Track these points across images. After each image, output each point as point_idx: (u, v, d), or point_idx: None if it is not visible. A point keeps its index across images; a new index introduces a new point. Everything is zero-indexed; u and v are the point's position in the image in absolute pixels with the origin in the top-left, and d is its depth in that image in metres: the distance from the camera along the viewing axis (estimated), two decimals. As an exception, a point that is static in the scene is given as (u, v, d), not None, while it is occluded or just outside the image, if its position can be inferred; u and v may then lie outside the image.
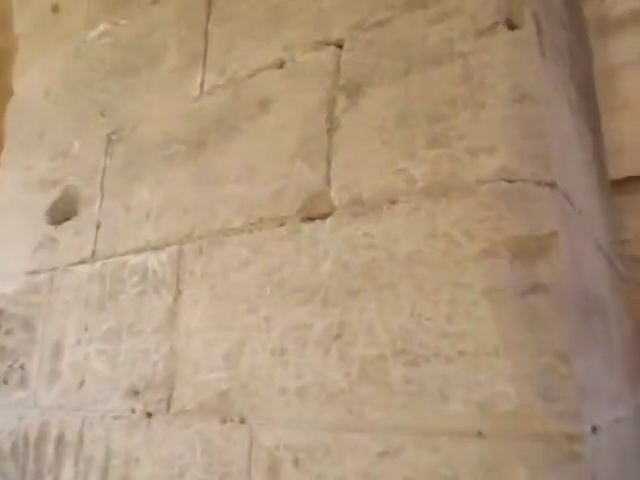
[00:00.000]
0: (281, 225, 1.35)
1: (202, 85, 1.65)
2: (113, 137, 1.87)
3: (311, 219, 1.30)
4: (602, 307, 1.37)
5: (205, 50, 1.67)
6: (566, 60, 1.50)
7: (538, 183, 1.05)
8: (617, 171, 3.32)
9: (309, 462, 1.16)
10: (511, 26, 1.14)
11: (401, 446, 1.05)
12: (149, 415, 1.48)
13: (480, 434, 0.98)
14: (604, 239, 1.67)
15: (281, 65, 1.47)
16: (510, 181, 1.05)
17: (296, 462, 1.18)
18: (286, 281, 1.30)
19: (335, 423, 1.14)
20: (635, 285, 3.48)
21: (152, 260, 1.60)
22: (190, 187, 1.56)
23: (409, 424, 1.05)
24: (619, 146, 3.65)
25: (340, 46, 1.37)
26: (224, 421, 1.32)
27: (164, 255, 1.58)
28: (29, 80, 2.34)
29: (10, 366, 1.91)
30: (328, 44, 1.39)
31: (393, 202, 1.17)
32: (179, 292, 1.51)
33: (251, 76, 1.53)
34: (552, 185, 1.07)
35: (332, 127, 1.31)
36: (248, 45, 1.57)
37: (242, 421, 1.29)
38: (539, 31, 1.17)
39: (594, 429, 1.02)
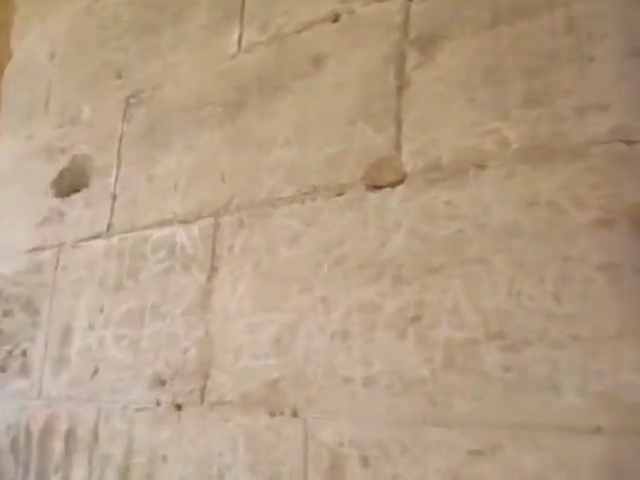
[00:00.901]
0: (339, 195, 1.20)
1: (240, 42, 1.48)
2: (132, 100, 1.69)
3: (378, 187, 1.15)
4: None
5: (243, 4, 1.51)
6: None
7: (657, 147, 0.93)
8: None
9: (382, 461, 1.01)
10: (619, -28, 1.01)
11: (498, 444, 0.91)
12: (179, 407, 1.32)
13: (599, 429, 0.84)
14: None
15: (336, 18, 1.32)
16: (628, 142, 0.92)
17: (365, 461, 1.03)
18: (347, 257, 1.15)
19: (414, 417, 1.00)
20: None
21: (180, 234, 1.44)
22: (227, 152, 1.40)
23: (509, 418, 0.92)
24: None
25: (409, -3, 1.23)
26: (273, 414, 1.17)
27: (195, 229, 1.42)
28: (30, 41, 2.13)
29: (9, 352, 1.71)
30: (394, -5, 1.24)
31: (481, 167, 1.03)
32: (214, 269, 1.35)
33: (300, 31, 1.37)
34: (669, 150, 0.94)
35: (402, 84, 1.17)
36: (294, -2, 1.42)
37: (294, 414, 1.14)
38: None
39: None
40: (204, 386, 1.29)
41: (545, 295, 0.92)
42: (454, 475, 0.94)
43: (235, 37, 1.50)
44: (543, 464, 0.87)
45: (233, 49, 1.49)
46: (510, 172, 1.00)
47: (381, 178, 1.15)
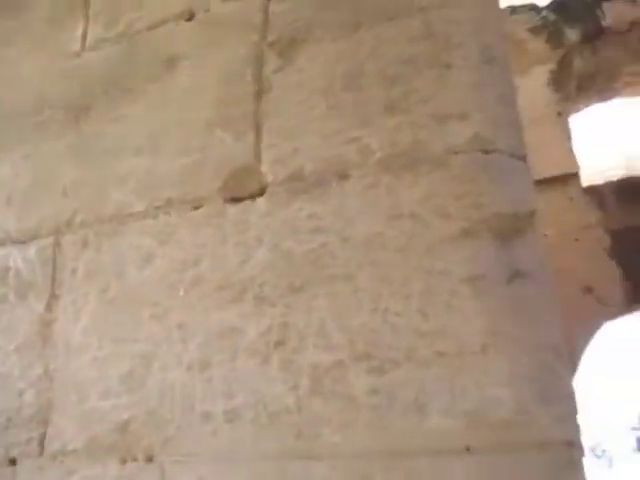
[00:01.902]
0: (196, 208, 1.08)
1: (84, 38, 1.32)
2: (-45, 101, 1.44)
3: (237, 199, 1.05)
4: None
5: (87, -4, 1.35)
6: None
7: (512, 155, 0.93)
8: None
9: (246, 504, 0.91)
10: (472, -18, 1.01)
11: (368, 474, 0.85)
12: (13, 462, 1.11)
13: (469, 450, 0.81)
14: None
15: (191, 17, 1.21)
16: (486, 152, 0.91)
17: (228, 505, 0.92)
18: (205, 277, 1.04)
19: (281, 451, 0.91)
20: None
21: (15, 257, 1.23)
22: (70, 162, 1.23)
23: (377, 446, 0.85)
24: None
25: (267, -4, 1.15)
26: (124, 461, 1.01)
27: (31, 250, 1.22)
28: None
29: None
30: (252, -7, 1.16)
31: (344, 177, 0.98)
32: (55, 297, 1.17)
33: (151, 29, 1.25)
34: (523, 159, 0.95)
35: (261, 89, 1.09)
36: (146, -7, 1.29)
37: (150, 459, 0.99)
38: (498, -7, 1.06)
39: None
40: (43, 434, 1.10)
41: (411, 311, 0.88)
42: (324, 513, 0.86)
43: (79, 33, 1.33)
44: (415, 492, 0.82)
45: (76, 46, 1.32)
46: (373, 182, 0.95)
47: (241, 189, 1.05)
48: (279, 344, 0.95)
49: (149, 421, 1.01)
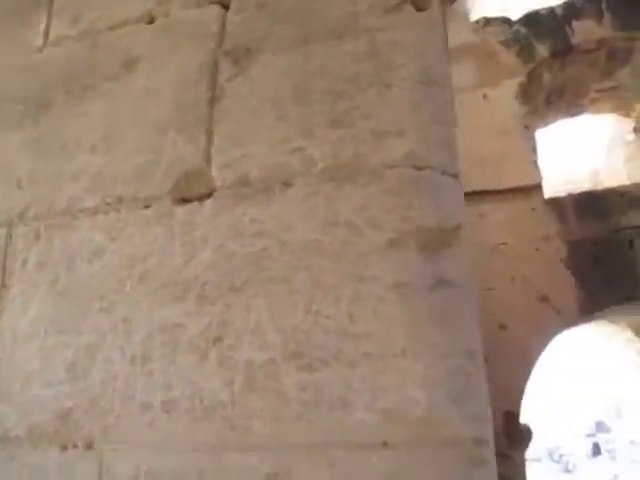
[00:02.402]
0: (146, 207, 1.12)
1: (47, 34, 1.34)
2: None
3: (186, 201, 1.10)
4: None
5: (51, -7, 1.37)
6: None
7: (444, 172, 0.99)
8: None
9: (179, 491, 0.95)
10: (417, 7, 1.07)
11: (294, 465, 0.90)
12: (-46, 447, 1.14)
13: (385, 444, 0.87)
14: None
15: (152, 20, 1.25)
16: (418, 168, 0.97)
17: (161, 493, 0.96)
18: (152, 274, 1.08)
19: (214, 442, 0.96)
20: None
21: (-34, 246, 1.25)
22: (27, 155, 1.25)
23: (304, 439, 0.91)
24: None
25: (225, 6, 1.19)
26: (65, 448, 1.05)
27: (-16, 240, 1.24)
28: None
29: None
30: (212, 2, 1.20)
31: (287, 184, 1.03)
32: (4, 287, 1.19)
33: (113, 29, 1.28)
34: (455, 176, 1.01)
35: (215, 96, 1.13)
36: (109, -7, 1.32)
37: (89, 447, 1.03)
38: (444, 17, 1.13)
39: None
40: (-14, 420, 1.13)
41: (341, 314, 0.94)
42: (250, 501, 0.91)
43: (42, 28, 1.36)
44: (333, 482, 0.88)
45: (39, 41, 1.35)
46: (314, 191, 1.01)
47: (190, 191, 1.10)
48: (217, 341, 0.99)
49: (90, 410, 1.05)
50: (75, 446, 1.05)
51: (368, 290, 0.93)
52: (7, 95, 1.33)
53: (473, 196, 4.03)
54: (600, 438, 12.72)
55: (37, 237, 1.19)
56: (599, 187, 5.49)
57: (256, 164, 1.06)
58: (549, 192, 4.25)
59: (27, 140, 1.27)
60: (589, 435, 13.17)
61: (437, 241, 0.94)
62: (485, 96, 4.43)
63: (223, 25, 1.17)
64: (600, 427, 13.15)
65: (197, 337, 1.01)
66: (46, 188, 1.21)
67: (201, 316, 1.02)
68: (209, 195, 1.08)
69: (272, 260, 1.00)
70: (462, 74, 4.43)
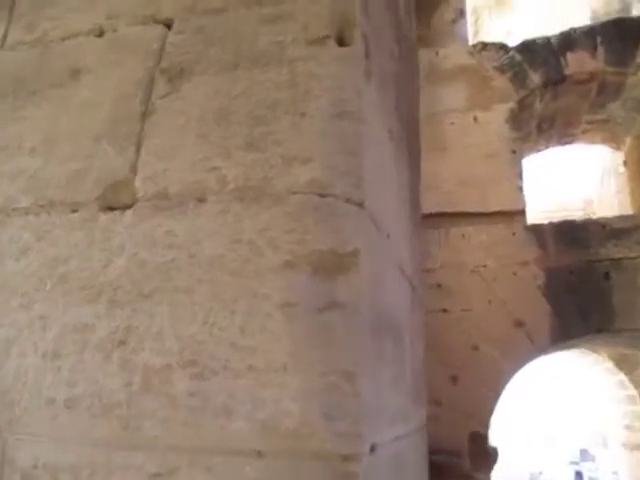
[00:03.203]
0: (74, 211, 1.19)
1: (5, 38, 1.41)
2: None
3: (111, 209, 1.16)
4: (397, 328, 1.43)
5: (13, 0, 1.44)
6: (392, 91, 1.56)
7: (347, 200, 1.05)
8: (429, 206, 3.65)
9: (70, 484, 1.01)
10: (341, 42, 1.14)
11: (176, 467, 0.96)
12: None
13: (259, 454, 0.93)
14: (409, 265, 1.77)
15: (101, 34, 1.32)
16: (321, 195, 1.03)
17: (55, 483, 1.02)
18: (71, 275, 1.14)
19: (108, 439, 1.01)
20: (437, 311, 3.82)
21: None
22: (-31, 154, 1.32)
23: (187, 442, 0.97)
24: (434, 184, 4.02)
25: (168, 26, 1.26)
26: (-28, 434, 1.11)
27: None
28: None
29: None
30: (156, 22, 1.27)
31: (201, 200, 1.09)
32: (-63, 277, 1.25)
33: (65, 39, 1.34)
34: (360, 204, 1.07)
35: (147, 111, 1.20)
36: (67, 4, 1.38)
37: (-5, 434, 1.09)
38: (367, 54, 1.19)
39: (372, 448, 1.04)
40: None
41: (234, 327, 0.99)
42: (134, 498, 0.97)
43: (1, 32, 1.42)
44: (209, 486, 0.93)
45: (-4, 45, 1.42)
46: (224, 209, 1.07)
47: (116, 200, 1.16)
48: (121, 344, 1.05)
49: (1, 400, 1.10)
50: (-18, 433, 1.10)
51: (259, 307, 0.99)
52: (-40, 93, 1.39)
53: (457, 216, 4.09)
54: (583, 466, 12.71)
55: (-28, 232, 1.25)
56: (592, 216, 5.54)
57: (176, 179, 1.12)
58: (530, 218, 4.29)
59: (-28, 138, 1.33)
60: (573, 462, 13.15)
61: (331, 265, 1.00)
62: (476, 119, 4.48)
63: (163, 44, 1.24)
64: (584, 455, 13.14)
65: (104, 339, 1.07)
66: (-16, 186, 1.28)
67: (110, 319, 1.08)
68: (131, 205, 1.14)
69: (179, 271, 1.06)
70: (455, 95, 4.50)
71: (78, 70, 1.30)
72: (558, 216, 5.27)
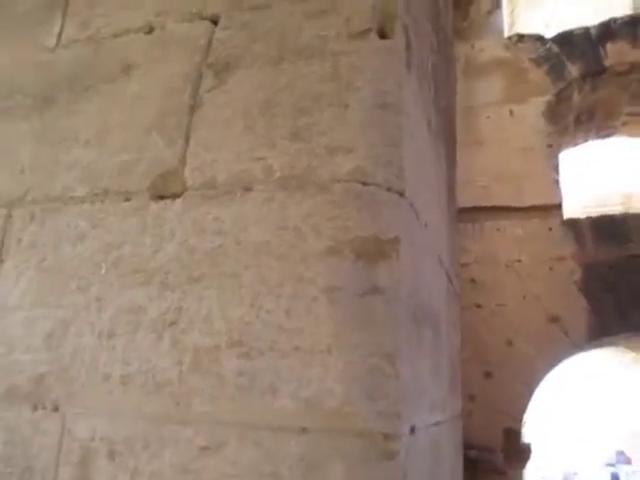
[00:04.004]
0: (127, 200, 1.25)
1: (60, 36, 1.49)
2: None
3: (161, 197, 1.22)
4: (435, 317, 1.46)
5: (67, -1, 1.52)
6: (430, 82, 1.58)
7: (389, 189, 1.08)
8: (465, 200, 3.64)
9: (126, 455, 1.07)
10: (382, 35, 1.16)
11: (224, 440, 1.01)
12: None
13: (304, 430, 0.97)
14: (446, 256, 1.78)
15: (150, 30, 1.37)
16: (363, 183, 1.06)
17: (112, 455, 1.09)
18: (125, 260, 1.20)
19: (160, 414, 1.07)
20: (471, 306, 3.80)
21: (-28, 223, 1.40)
22: (30, 144, 1.39)
23: (235, 418, 1.02)
24: (470, 178, 4.00)
25: (215, 22, 1.31)
26: (35, 408, 1.18)
27: (-13, 218, 1.39)
28: None
29: None
30: (202, 18, 1.32)
31: (248, 189, 1.14)
32: (1, 262, 1.34)
33: (116, 36, 1.41)
34: (401, 193, 1.10)
35: (195, 104, 1.25)
36: (118, 2, 1.45)
37: (56, 409, 1.16)
38: (408, 46, 1.21)
39: (412, 430, 1.07)
40: (-27, 378, 1.27)
41: (280, 310, 1.04)
42: (184, 469, 1.02)
43: (56, 30, 1.50)
44: (256, 458, 0.98)
45: (52, 42, 1.49)
46: (270, 197, 1.11)
47: (165, 189, 1.22)
48: (172, 324, 1.11)
49: (60, 377, 1.18)
50: (44, 407, 1.18)
51: (304, 290, 1.03)
52: (19, 88, 1.48)
53: (492, 211, 4.06)
54: (620, 469, 12.43)
55: (32, 219, 1.33)
56: (631, 211, 5.41)
57: (223, 169, 1.17)
58: (567, 213, 4.23)
59: (32, 131, 1.41)
60: (608, 464, 12.87)
61: (373, 251, 1.03)
62: (512, 112, 4.43)
63: (210, 40, 1.29)
64: (620, 457, 12.85)
65: (156, 319, 1.13)
66: (44, 175, 1.35)
67: (161, 301, 1.14)
68: (181, 194, 1.20)
69: (227, 257, 1.11)
70: (490, 89, 4.45)
71: (129, 65, 1.36)
72: (597, 211, 5.17)
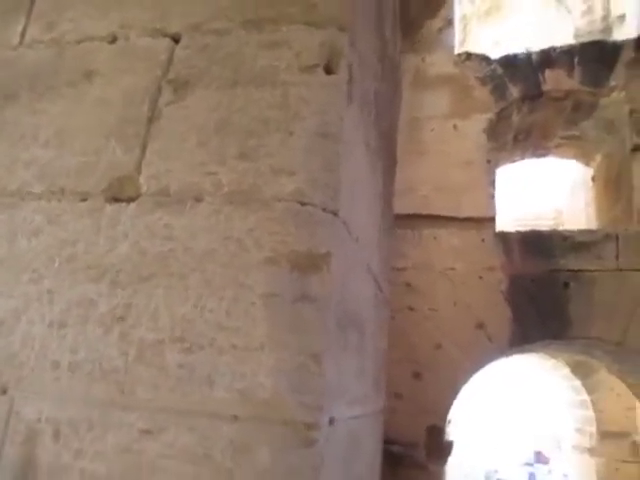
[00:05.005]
0: (83, 200, 1.34)
1: (23, 35, 1.55)
2: None
3: (116, 200, 1.32)
4: (361, 322, 1.62)
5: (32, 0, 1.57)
6: (372, 108, 1.74)
7: (324, 209, 1.23)
8: (406, 207, 3.84)
9: (71, 436, 1.17)
10: (328, 70, 1.31)
11: (165, 426, 1.14)
12: None
13: (235, 417, 1.11)
14: (376, 265, 1.96)
15: (114, 40, 1.46)
16: (302, 203, 1.21)
17: (57, 435, 1.18)
18: (78, 257, 1.30)
19: (105, 400, 1.18)
20: (404, 309, 4.01)
21: None
22: (-11, 141, 1.46)
23: (175, 405, 1.14)
24: (411, 186, 4.20)
25: (176, 40, 1.41)
26: (-16, 390, 1.26)
27: (-58, 207, 1.44)
28: None
29: None
30: (165, 35, 1.42)
31: (198, 200, 1.26)
32: (-46, 250, 1.39)
33: (80, 42, 1.49)
34: (335, 213, 1.25)
35: (153, 116, 1.35)
36: (84, 9, 1.53)
37: (4, 392, 1.25)
38: (350, 80, 1.36)
39: (331, 421, 1.23)
40: None
41: (221, 310, 1.17)
42: (125, 449, 1.14)
43: (19, 29, 1.56)
44: (192, 441, 1.11)
45: (15, 41, 1.55)
46: (217, 209, 1.24)
47: (120, 193, 1.32)
48: (121, 319, 1.22)
49: (10, 362, 1.26)
50: (-7, 390, 1.26)
51: (244, 295, 1.16)
52: (-20, 84, 1.53)
53: (431, 219, 4.28)
54: (537, 468, 13.17)
55: (-12, 211, 1.39)
56: (560, 227, 5.78)
57: (176, 179, 1.28)
58: (499, 226, 4.48)
59: (-9, 126, 1.47)
60: (527, 464, 13.61)
61: (307, 264, 1.18)
62: (455, 126, 4.65)
63: (171, 57, 1.39)
64: (539, 457, 13.61)
65: (105, 314, 1.23)
66: (2, 171, 1.42)
67: (111, 297, 1.24)
68: (135, 199, 1.30)
69: (176, 260, 1.23)
70: (437, 102, 4.67)
71: (91, 71, 1.44)
72: (530, 224, 5.50)
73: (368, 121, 1.68)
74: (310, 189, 1.22)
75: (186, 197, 1.26)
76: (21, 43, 1.54)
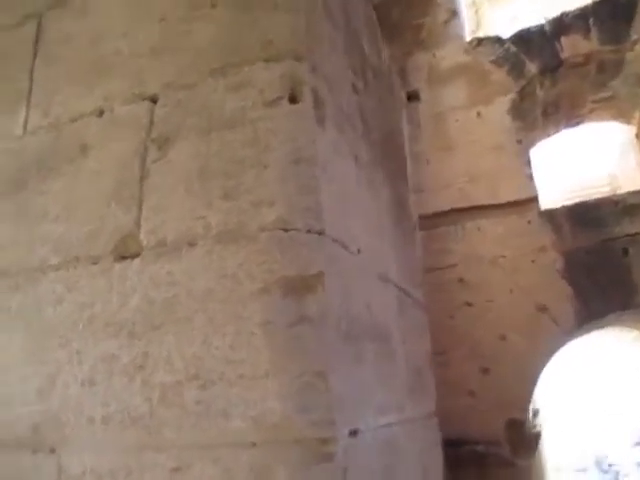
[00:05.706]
0: (94, 263, 1.45)
1: (26, 124, 1.70)
2: None
3: (123, 258, 1.42)
4: (381, 330, 1.64)
5: (30, 90, 1.73)
6: (356, 123, 1.78)
7: (308, 231, 1.28)
8: (444, 204, 3.82)
9: (112, 483, 1.26)
10: (293, 100, 1.37)
11: (191, 462, 1.21)
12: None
13: (253, 444, 1.16)
14: (395, 271, 1.97)
15: (101, 113, 1.58)
16: (285, 230, 1.26)
17: (100, 484, 1.28)
18: (97, 316, 1.40)
19: (137, 445, 1.27)
20: (462, 305, 3.94)
21: (-35, 298, 1.61)
22: (7, 225, 1.60)
23: (197, 441, 1.21)
24: (445, 182, 4.17)
25: (154, 101, 1.52)
26: (35, 452, 1.38)
27: (-23, 292, 1.60)
28: None
29: None
30: (144, 98, 1.53)
31: (192, 245, 1.34)
32: (-6, 328, 1.54)
33: (73, 121, 1.62)
34: (321, 233, 1.30)
35: (143, 175, 1.45)
36: (72, 91, 1.66)
37: (52, 451, 1.36)
38: (317, 105, 1.41)
39: (354, 432, 1.26)
40: (-19, 433, 1.47)
41: (225, 345, 1.23)
42: (160, 489, 1.21)
43: (22, 119, 1.71)
44: (216, 474, 1.17)
45: (19, 131, 1.71)
46: (210, 250, 1.31)
47: (126, 251, 1.42)
48: (141, 368, 1.31)
49: (52, 423, 1.37)
50: (43, 451, 1.37)
51: (244, 327, 1.23)
52: (-5, 175, 1.69)
53: (471, 211, 4.22)
54: (651, 448, 12.37)
55: (17, 288, 1.53)
56: (618, 191, 5.55)
57: (171, 229, 1.37)
58: (543, 204, 4.35)
59: (8, 212, 1.62)
60: (637, 444, 12.79)
61: (300, 286, 1.23)
62: (479, 114, 4.58)
63: (151, 118, 1.50)
64: (645, 435, 12.79)
65: (127, 365, 1.33)
66: (23, 250, 1.56)
67: (131, 348, 1.33)
68: (138, 254, 1.40)
69: (180, 304, 1.31)
70: (456, 94, 4.63)
71: (85, 145, 1.57)
72: (585, 195, 5.30)
73: (354, 136, 1.73)
74: (290, 215, 1.27)
75: (181, 244, 1.35)
76: (25, 132, 1.70)
